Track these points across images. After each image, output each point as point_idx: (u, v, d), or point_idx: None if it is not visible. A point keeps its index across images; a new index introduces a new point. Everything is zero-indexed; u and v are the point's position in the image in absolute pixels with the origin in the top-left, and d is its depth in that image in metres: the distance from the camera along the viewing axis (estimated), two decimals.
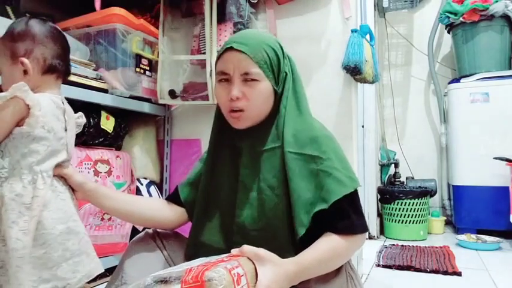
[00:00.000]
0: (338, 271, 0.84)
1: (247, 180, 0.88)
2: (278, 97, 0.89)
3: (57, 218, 0.83)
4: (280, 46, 0.90)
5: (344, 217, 0.81)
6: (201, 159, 1.01)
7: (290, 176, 0.83)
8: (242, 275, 0.65)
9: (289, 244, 0.82)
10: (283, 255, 0.74)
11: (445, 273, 1.65)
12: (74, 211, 0.88)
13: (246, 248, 0.71)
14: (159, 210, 0.98)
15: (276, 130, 0.88)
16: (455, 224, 2.55)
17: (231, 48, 0.85)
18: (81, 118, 1.00)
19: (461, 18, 2.51)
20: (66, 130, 0.91)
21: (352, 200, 0.82)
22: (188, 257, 0.92)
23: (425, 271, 1.69)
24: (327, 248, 0.78)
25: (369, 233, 2.36)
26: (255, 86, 0.85)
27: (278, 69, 0.88)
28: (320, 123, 0.93)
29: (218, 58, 0.88)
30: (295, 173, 0.83)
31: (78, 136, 1.13)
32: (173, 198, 1.01)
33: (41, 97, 0.86)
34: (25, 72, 0.87)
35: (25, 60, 0.87)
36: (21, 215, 0.80)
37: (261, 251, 0.71)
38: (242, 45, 0.84)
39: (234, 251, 0.72)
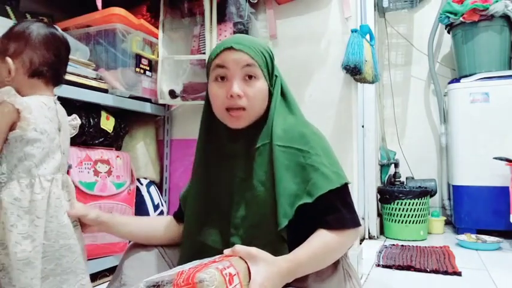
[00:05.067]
0: (335, 269, 0.84)
1: (243, 182, 0.88)
2: (270, 98, 0.90)
3: (62, 233, 0.84)
4: (271, 50, 0.93)
5: (334, 212, 0.81)
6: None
7: (277, 168, 0.83)
8: (234, 275, 0.65)
9: (281, 238, 0.82)
10: (276, 249, 0.74)
11: (445, 273, 1.65)
12: (75, 230, 0.89)
13: (238, 247, 0.71)
14: (171, 228, 0.99)
15: (267, 128, 0.88)
16: (455, 224, 2.55)
17: (230, 48, 0.84)
18: (75, 120, 1.00)
19: (461, 18, 2.51)
20: (60, 130, 0.91)
21: (341, 195, 0.82)
22: (186, 259, 0.92)
23: (425, 271, 1.69)
24: (319, 244, 0.78)
25: (369, 233, 2.36)
26: (254, 84, 0.85)
27: (272, 71, 0.90)
28: (312, 124, 0.92)
29: (214, 58, 0.87)
30: (282, 165, 0.83)
31: (77, 136, 1.13)
32: (180, 214, 1.01)
33: (30, 100, 0.86)
34: (9, 71, 0.87)
35: (9, 60, 0.86)
36: (19, 219, 0.81)
37: (253, 250, 0.70)
38: (241, 45, 0.85)
39: (226, 251, 0.72)
